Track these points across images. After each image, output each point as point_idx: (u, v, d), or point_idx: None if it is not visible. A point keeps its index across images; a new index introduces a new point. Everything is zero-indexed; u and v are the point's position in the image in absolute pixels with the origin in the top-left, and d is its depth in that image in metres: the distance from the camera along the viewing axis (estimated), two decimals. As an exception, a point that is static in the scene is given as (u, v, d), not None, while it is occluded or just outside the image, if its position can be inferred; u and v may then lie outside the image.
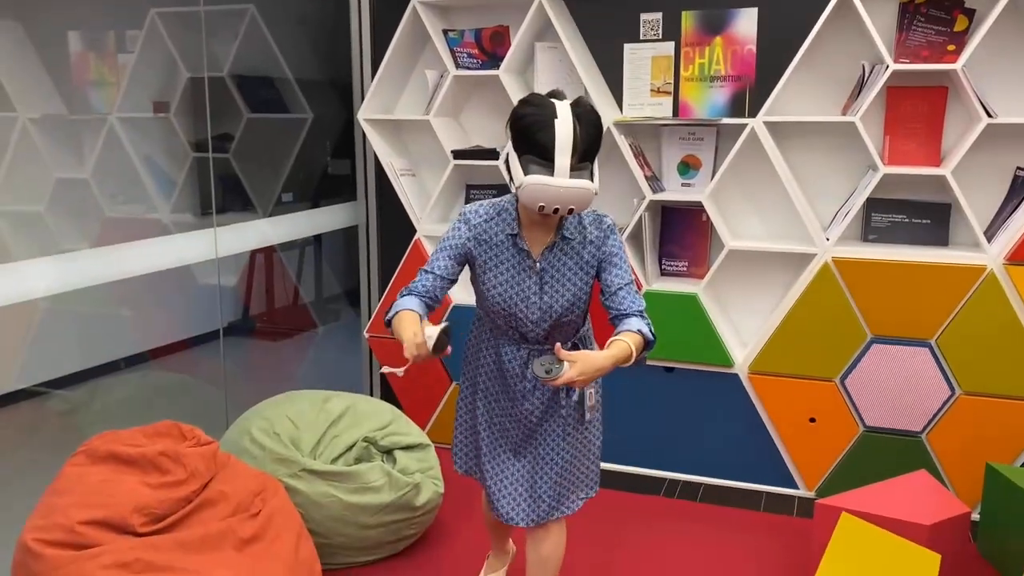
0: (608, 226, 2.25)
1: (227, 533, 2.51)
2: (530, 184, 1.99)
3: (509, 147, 2.11)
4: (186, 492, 2.53)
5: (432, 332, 2.04)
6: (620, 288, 2.20)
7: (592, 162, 2.08)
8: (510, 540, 2.91)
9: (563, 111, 2.01)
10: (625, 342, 2.07)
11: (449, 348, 2.08)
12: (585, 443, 2.41)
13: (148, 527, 2.44)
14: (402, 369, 2.08)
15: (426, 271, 2.24)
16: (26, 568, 2.34)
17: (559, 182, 1.97)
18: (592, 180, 2.04)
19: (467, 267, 2.33)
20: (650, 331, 2.15)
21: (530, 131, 2.01)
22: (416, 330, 2.04)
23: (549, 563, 2.44)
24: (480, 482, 2.51)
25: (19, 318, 3.48)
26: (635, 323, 2.13)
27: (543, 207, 2.01)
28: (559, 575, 2.50)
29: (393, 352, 4.13)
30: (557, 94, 2.11)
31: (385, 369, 2.13)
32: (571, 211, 2.03)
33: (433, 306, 2.23)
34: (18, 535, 2.39)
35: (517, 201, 2.22)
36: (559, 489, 2.38)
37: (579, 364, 1.98)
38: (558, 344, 2.04)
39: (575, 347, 2.36)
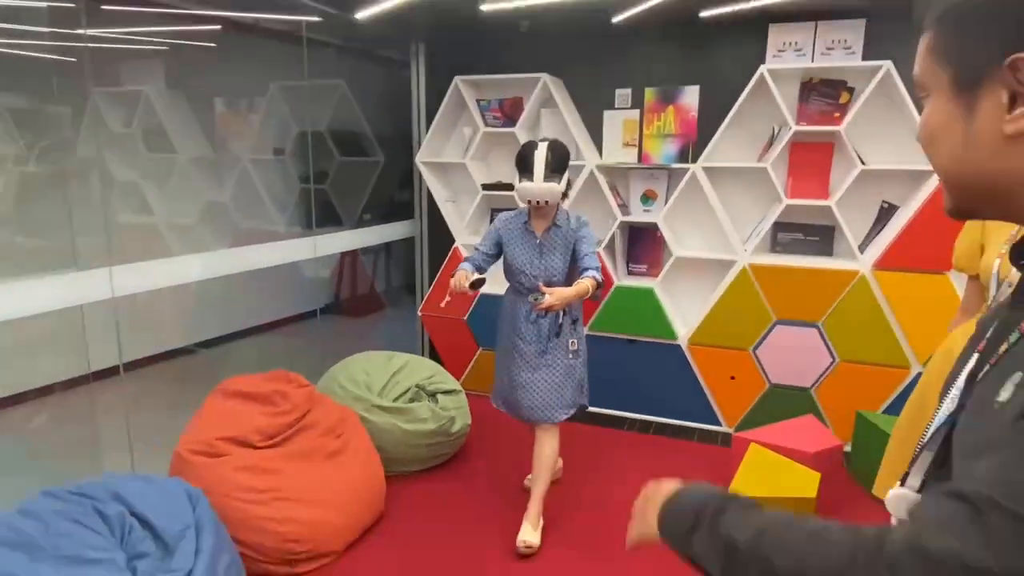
0: (583, 221, 2.55)
1: (319, 448, 2.55)
2: (520, 187, 2.42)
3: (516, 172, 2.49)
4: (290, 419, 2.57)
5: (472, 275, 2.42)
6: (585, 255, 2.46)
7: (562, 174, 2.43)
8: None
9: (541, 145, 2.44)
10: (583, 281, 2.34)
11: (479, 290, 2.43)
12: (569, 373, 2.58)
13: (264, 443, 2.49)
14: (444, 301, 2.61)
15: (476, 248, 2.61)
16: (179, 469, 2.38)
17: (536, 185, 2.39)
18: (559, 184, 2.41)
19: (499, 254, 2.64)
20: (600, 276, 2.38)
21: (524, 158, 2.44)
22: (460, 277, 2.39)
23: (546, 457, 2.60)
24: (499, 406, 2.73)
25: (180, 297, 3.54)
26: (590, 272, 2.37)
27: (529, 201, 2.43)
28: (554, 466, 2.69)
29: (439, 325, 4.15)
30: (544, 139, 2.49)
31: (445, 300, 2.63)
32: (547, 203, 2.42)
33: (480, 269, 2.54)
34: (174, 447, 2.45)
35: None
36: (549, 402, 2.55)
37: (555, 294, 2.25)
38: (540, 282, 2.41)
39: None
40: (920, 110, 0.71)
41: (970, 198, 0.67)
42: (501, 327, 2.70)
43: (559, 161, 2.42)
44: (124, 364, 2.62)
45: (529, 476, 2.81)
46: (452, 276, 2.40)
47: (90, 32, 2.74)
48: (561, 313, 2.52)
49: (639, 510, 0.89)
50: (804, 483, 2.34)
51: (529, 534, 2.51)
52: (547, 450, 2.59)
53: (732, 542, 0.69)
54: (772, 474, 2.42)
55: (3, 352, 2.85)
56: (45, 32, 3.13)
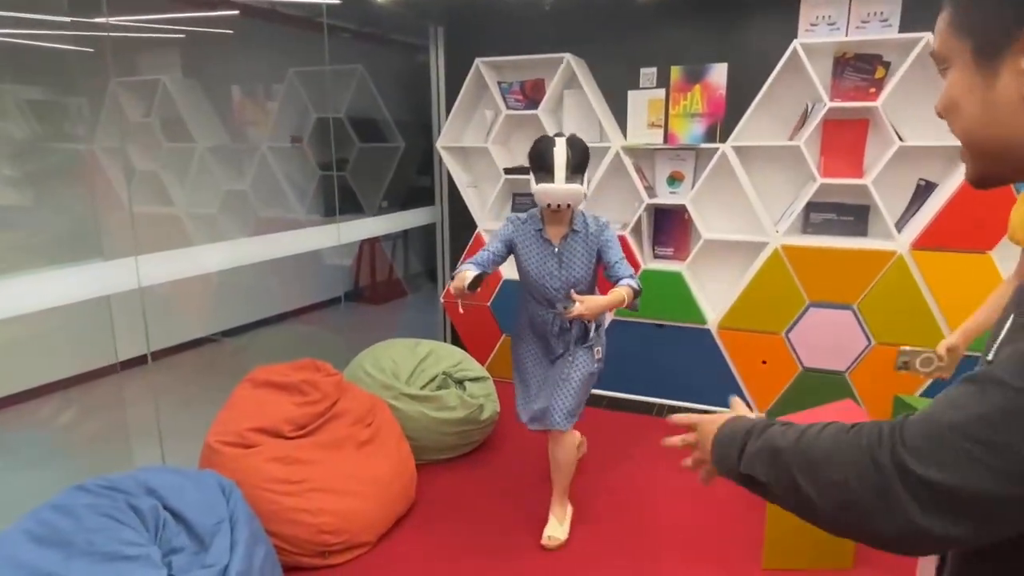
0: (604, 223, 2.33)
1: (349, 437, 2.49)
2: (539, 189, 2.17)
3: (530, 171, 2.25)
4: (320, 408, 2.51)
5: (469, 275, 2.10)
6: (616, 263, 2.26)
7: (583, 174, 2.20)
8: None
9: (559, 141, 2.18)
10: (619, 290, 2.14)
11: (479, 289, 2.12)
12: (589, 381, 2.40)
13: (294, 433, 2.43)
14: (460, 305, 2.23)
15: (485, 249, 2.31)
16: (210, 461, 2.33)
17: (558, 187, 2.15)
18: (582, 185, 2.18)
19: (511, 256, 2.39)
20: (637, 285, 2.19)
21: (539, 155, 2.19)
22: (459, 279, 2.12)
23: (561, 463, 2.44)
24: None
25: (202, 287, 3.48)
26: (626, 281, 2.19)
27: (549, 204, 2.18)
28: (572, 466, 2.50)
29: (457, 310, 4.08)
30: (559, 134, 2.23)
31: (459, 309, 2.31)
32: (568, 206, 2.19)
33: (486, 271, 2.22)
34: (203, 438, 2.39)
35: (540, 209, 2.31)
36: (567, 406, 2.33)
37: (586, 302, 2.07)
38: (572, 290, 2.20)
39: None
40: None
41: (991, 163, 0.71)
42: (521, 336, 2.47)
43: (579, 159, 2.18)
44: (151, 353, 2.56)
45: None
46: (452, 279, 2.16)
47: (111, 21, 2.66)
48: (591, 324, 2.36)
49: (700, 445, 0.97)
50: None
51: (554, 529, 2.43)
52: (560, 454, 2.42)
53: (776, 447, 0.78)
54: (814, 461, 2.32)
55: (30, 343, 2.80)
56: (67, 22, 3.06)
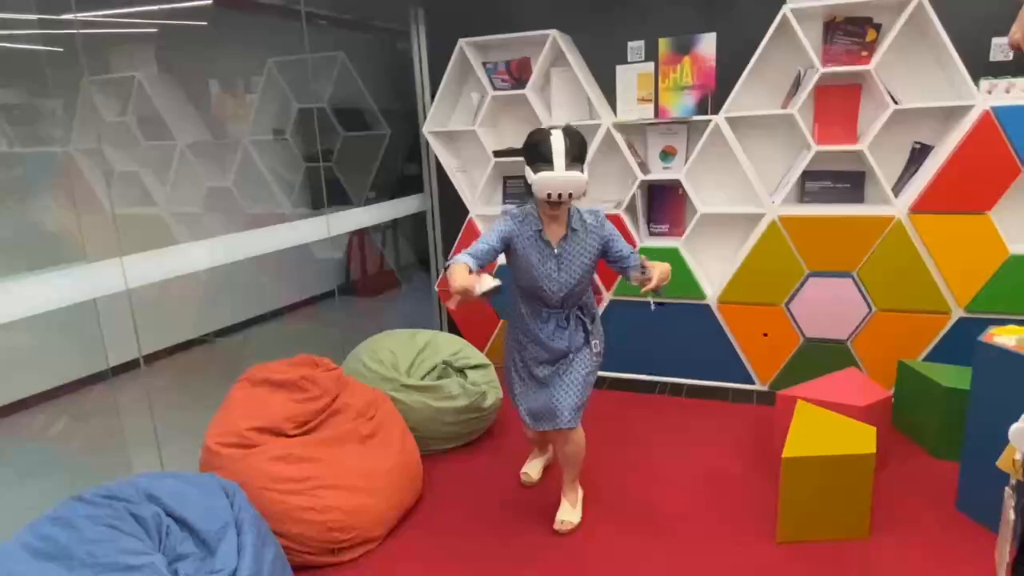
0: (602, 216, 2.24)
1: (352, 432, 2.43)
2: (539, 179, 2.04)
3: (525, 166, 2.13)
4: (321, 404, 2.45)
5: (488, 285, 1.96)
6: (628, 256, 2.22)
7: (582, 163, 2.10)
8: (548, 444, 2.80)
9: (556, 132, 2.08)
10: (659, 264, 2.11)
11: (493, 296, 2.00)
12: (591, 377, 2.34)
13: (296, 430, 2.37)
14: (453, 301, 2.02)
15: (482, 241, 2.14)
16: (210, 464, 2.27)
17: (559, 174, 2.03)
18: (583, 173, 2.07)
19: (506, 254, 2.27)
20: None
21: (536, 146, 2.08)
22: (466, 278, 1.94)
23: (571, 457, 2.39)
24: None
25: (189, 287, 3.40)
26: (651, 263, 2.14)
27: (550, 194, 2.05)
28: (582, 454, 2.42)
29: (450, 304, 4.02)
30: (553, 126, 2.12)
31: (451, 304, 2.06)
32: (570, 196, 2.06)
33: (482, 264, 2.10)
34: (202, 441, 2.33)
35: (537, 207, 2.19)
36: (572, 404, 2.28)
37: (655, 269, 2.08)
38: (643, 260, 2.14)
39: (581, 309, 2.32)
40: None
41: None
42: (517, 338, 2.35)
43: (578, 148, 2.08)
44: (143, 357, 2.49)
45: (526, 472, 2.71)
46: (448, 273, 1.96)
47: (80, 17, 2.55)
48: (588, 319, 2.31)
49: None
50: (861, 439, 2.22)
51: (567, 513, 2.40)
52: (569, 449, 2.36)
53: None
54: (826, 431, 2.30)
55: (16, 353, 2.72)
56: (34, 20, 2.94)
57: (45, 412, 2.97)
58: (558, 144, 2.04)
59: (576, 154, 2.07)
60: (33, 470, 2.64)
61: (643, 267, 2.13)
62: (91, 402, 2.97)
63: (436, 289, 4.17)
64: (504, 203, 3.91)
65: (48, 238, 2.96)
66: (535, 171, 2.06)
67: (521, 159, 2.42)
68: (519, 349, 2.37)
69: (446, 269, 2.11)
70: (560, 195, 2.05)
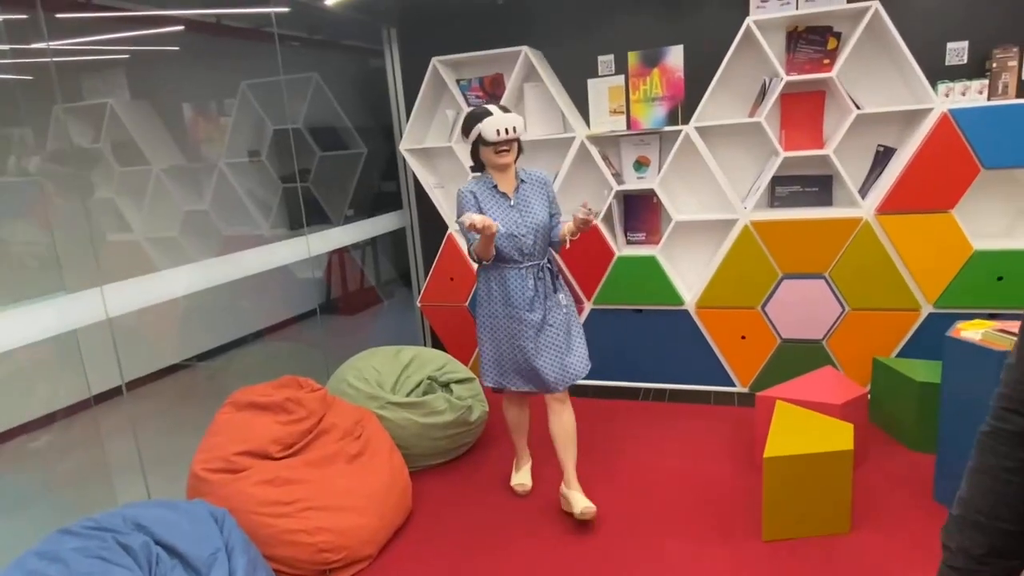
0: (545, 175, 2.52)
1: (340, 452, 2.44)
2: (486, 123, 2.30)
3: (466, 138, 2.43)
4: (307, 426, 2.45)
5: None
6: (556, 213, 2.52)
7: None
8: (526, 445, 2.83)
9: (491, 105, 2.38)
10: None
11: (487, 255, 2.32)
12: (571, 325, 2.51)
13: (282, 453, 2.37)
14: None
15: (464, 230, 2.31)
16: (197, 490, 2.26)
17: (499, 115, 2.32)
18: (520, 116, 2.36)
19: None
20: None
21: (472, 115, 2.38)
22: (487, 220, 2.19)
23: (569, 425, 2.51)
24: (504, 389, 2.55)
25: (169, 312, 3.37)
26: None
27: (499, 131, 2.30)
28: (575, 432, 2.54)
29: (440, 314, 4.03)
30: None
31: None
32: (515, 130, 2.33)
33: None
34: (188, 467, 2.31)
35: (483, 170, 2.47)
36: (566, 362, 2.46)
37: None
38: (529, 240, 2.39)
39: (550, 262, 2.53)
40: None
41: None
42: (489, 304, 2.50)
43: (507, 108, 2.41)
44: (125, 384, 2.47)
45: (519, 483, 2.73)
46: (464, 219, 2.18)
47: (53, 46, 2.55)
48: (554, 271, 2.52)
49: None
50: (839, 436, 2.27)
51: (584, 500, 2.43)
52: (567, 418, 2.49)
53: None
54: (805, 430, 2.35)
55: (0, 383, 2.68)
56: (6, 50, 2.92)
57: (27, 442, 2.92)
58: (490, 106, 2.36)
59: (506, 110, 2.37)
60: (17, 502, 2.60)
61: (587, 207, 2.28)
62: (74, 431, 2.93)
63: (419, 304, 4.18)
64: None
65: (25, 268, 2.92)
66: (478, 126, 2.33)
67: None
68: (498, 316, 2.47)
69: (469, 245, 2.41)
70: (507, 130, 2.31)
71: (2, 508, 2.64)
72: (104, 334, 2.29)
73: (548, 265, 2.50)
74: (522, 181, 2.46)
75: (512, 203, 2.42)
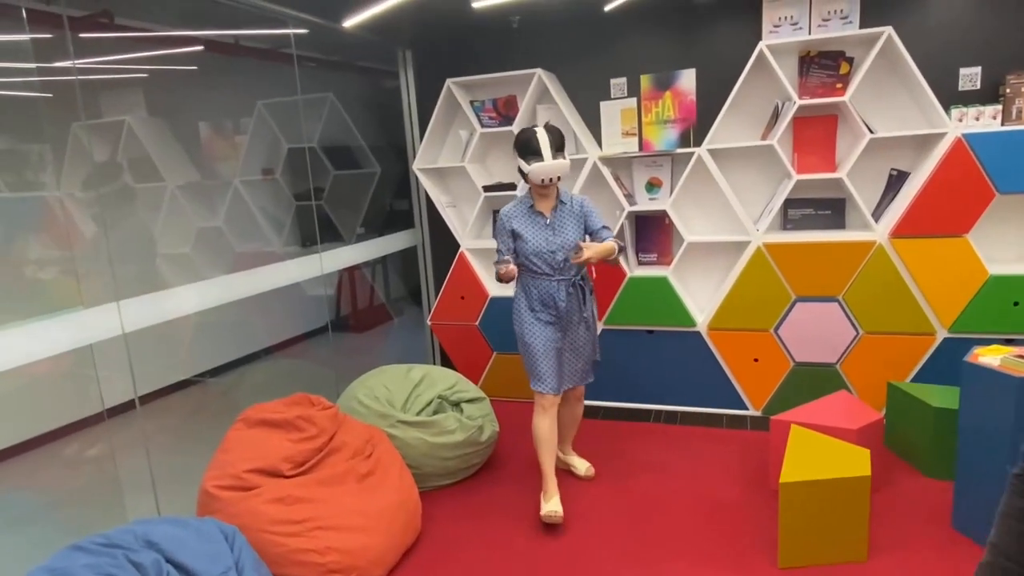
0: (583, 198, 2.70)
1: (350, 471, 2.42)
2: (534, 169, 2.51)
3: (518, 159, 2.58)
4: (318, 444, 2.44)
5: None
6: (600, 228, 2.66)
7: (563, 151, 2.57)
8: (554, 468, 2.72)
9: (540, 129, 2.55)
10: (609, 242, 2.56)
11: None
12: (594, 340, 2.81)
13: (293, 471, 2.35)
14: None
15: (500, 243, 2.65)
16: (208, 507, 2.25)
17: (548, 163, 2.50)
18: (565, 159, 2.55)
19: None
20: (621, 243, 2.64)
21: (525, 141, 2.55)
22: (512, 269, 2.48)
23: (578, 417, 2.95)
24: (560, 391, 2.71)
25: (181, 329, 3.38)
26: (609, 241, 2.58)
27: (543, 180, 2.52)
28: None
29: (450, 333, 4.03)
30: (534, 125, 2.62)
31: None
32: (558, 178, 2.55)
33: (512, 253, 2.67)
34: (198, 483, 2.30)
35: (530, 191, 2.66)
36: (587, 365, 2.81)
37: (590, 248, 2.45)
38: (579, 242, 2.56)
39: (583, 279, 2.73)
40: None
41: None
42: (528, 302, 2.69)
43: (558, 140, 2.56)
44: (138, 398, 2.47)
45: (552, 511, 2.55)
46: (502, 270, 2.46)
47: (78, 64, 2.59)
48: (587, 288, 2.73)
49: None
50: (856, 462, 2.24)
51: (583, 461, 2.99)
52: (579, 410, 2.92)
53: None
54: (822, 455, 2.32)
55: (11, 397, 2.68)
56: (33, 68, 2.98)
57: (40, 456, 2.92)
58: (543, 139, 2.51)
59: (558, 144, 2.55)
60: (28, 516, 2.59)
61: (579, 247, 2.47)
62: (86, 445, 2.93)
63: (429, 323, 4.18)
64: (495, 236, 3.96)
65: (43, 283, 2.94)
66: (528, 162, 2.52)
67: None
68: (539, 328, 2.65)
69: (496, 265, 2.58)
70: (550, 179, 2.53)
71: (14, 522, 2.63)
72: (119, 348, 2.30)
73: (580, 282, 2.69)
74: (562, 202, 2.65)
75: (548, 221, 2.62)
